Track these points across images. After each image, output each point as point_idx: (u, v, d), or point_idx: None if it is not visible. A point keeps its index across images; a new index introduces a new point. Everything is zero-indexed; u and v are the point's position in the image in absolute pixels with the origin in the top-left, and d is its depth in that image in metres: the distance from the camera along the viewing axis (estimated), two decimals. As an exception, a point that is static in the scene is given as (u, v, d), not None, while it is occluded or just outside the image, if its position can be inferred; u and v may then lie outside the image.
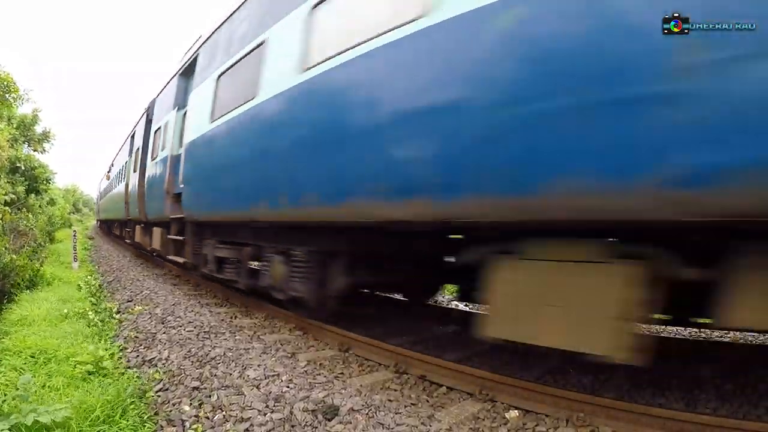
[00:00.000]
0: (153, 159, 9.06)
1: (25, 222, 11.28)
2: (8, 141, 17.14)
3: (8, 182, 16.76)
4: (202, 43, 6.94)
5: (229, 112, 5.26)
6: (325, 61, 3.69)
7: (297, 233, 4.76)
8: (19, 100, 18.42)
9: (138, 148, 10.89)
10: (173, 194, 7.31)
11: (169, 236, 7.77)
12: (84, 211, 67.70)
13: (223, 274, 6.09)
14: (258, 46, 4.87)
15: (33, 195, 20.46)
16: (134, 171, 10.87)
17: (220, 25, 6.24)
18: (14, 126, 20.65)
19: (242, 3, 5.63)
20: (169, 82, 8.98)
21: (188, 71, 7.62)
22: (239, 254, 5.77)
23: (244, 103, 4.89)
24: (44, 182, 23.61)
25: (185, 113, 7.29)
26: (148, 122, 10.25)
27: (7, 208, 9.50)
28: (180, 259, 7.36)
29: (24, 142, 22.71)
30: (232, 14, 5.93)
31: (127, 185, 12.02)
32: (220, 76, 5.81)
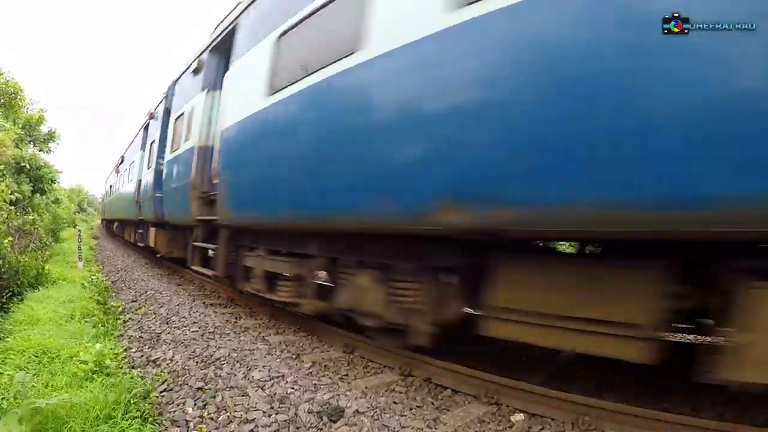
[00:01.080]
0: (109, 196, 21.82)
1: (30, 222, 11.36)
2: (13, 141, 17.25)
3: (14, 182, 16.85)
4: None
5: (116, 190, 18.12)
6: None
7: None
8: (25, 107, 18.76)
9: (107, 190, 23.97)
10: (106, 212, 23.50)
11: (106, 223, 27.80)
12: (89, 210, 68.01)
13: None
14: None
15: (38, 195, 20.53)
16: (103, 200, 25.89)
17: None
18: (20, 126, 20.76)
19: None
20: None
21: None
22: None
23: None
24: (49, 182, 23.72)
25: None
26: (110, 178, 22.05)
27: (12, 207, 9.54)
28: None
29: (29, 142, 22.82)
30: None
31: (103, 206, 25.96)
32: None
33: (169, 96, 8.94)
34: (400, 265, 3.61)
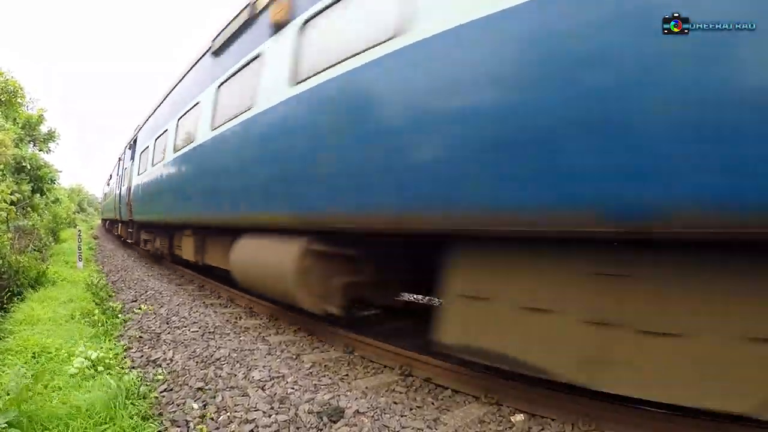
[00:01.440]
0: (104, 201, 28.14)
1: (30, 222, 11.48)
2: (13, 140, 17.25)
3: (14, 181, 16.84)
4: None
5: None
6: None
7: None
8: (25, 105, 18.80)
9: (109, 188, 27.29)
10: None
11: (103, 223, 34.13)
12: (89, 210, 68.05)
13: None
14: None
15: (38, 195, 20.51)
16: (103, 200, 29.33)
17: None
18: (20, 126, 20.76)
19: None
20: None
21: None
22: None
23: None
24: (49, 182, 23.71)
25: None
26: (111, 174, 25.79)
27: (12, 207, 9.59)
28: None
29: (29, 142, 22.80)
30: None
31: (102, 207, 30.22)
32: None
33: (125, 151, 14.78)
34: (159, 232, 10.23)
